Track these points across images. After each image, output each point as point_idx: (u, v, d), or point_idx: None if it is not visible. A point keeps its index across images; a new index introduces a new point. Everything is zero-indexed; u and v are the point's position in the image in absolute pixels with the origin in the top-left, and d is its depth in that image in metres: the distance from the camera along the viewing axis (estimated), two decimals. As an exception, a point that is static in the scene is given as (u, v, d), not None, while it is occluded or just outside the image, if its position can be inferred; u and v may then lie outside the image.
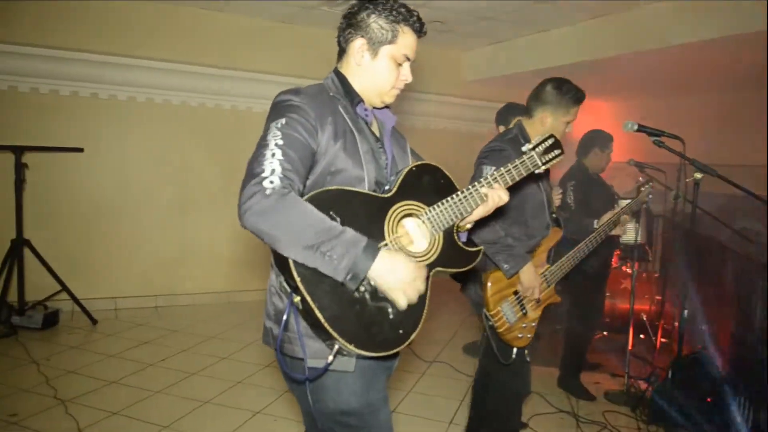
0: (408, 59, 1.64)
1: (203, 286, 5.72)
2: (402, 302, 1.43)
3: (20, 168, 4.47)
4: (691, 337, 4.48)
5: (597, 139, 3.93)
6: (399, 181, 1.57)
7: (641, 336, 4.80)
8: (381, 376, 1.63)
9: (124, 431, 3.08)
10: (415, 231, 1.57)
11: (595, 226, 3.14)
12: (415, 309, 1.51)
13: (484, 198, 1.65)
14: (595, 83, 6.00)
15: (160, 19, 5.16)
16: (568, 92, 2.57)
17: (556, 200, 3.20)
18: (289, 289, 1.39)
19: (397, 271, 1.40)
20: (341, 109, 1.58)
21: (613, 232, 3.18)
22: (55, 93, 5.01)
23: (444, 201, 1.61)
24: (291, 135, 1.43)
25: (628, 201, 3.26)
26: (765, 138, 4.82)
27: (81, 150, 4.95)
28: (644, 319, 4.81)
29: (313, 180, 1.50)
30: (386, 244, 1.48)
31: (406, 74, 1.65)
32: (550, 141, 1.85)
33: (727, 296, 3.83)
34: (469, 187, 1.65)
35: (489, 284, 2.46)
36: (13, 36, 4.65)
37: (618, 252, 4.71)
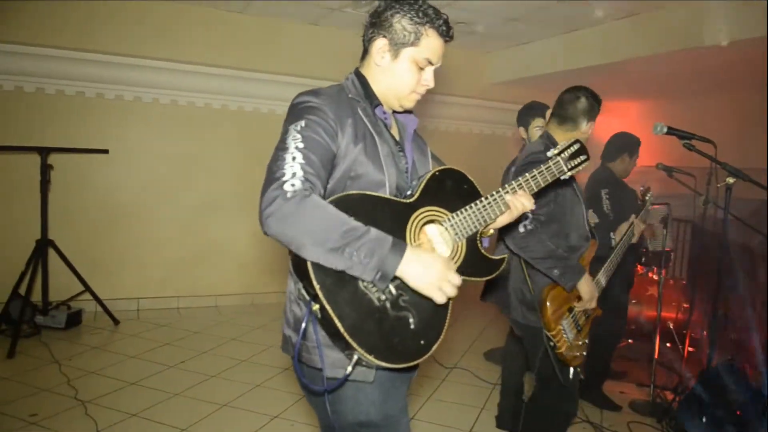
0: (431, 63, 1.57)
1: (225, 288, 5.73)
2: (439, 298, 1.38)
3: (46, 169, 4.51)
4: (721, 346, 4.37)
5: (626, 144, 3.80)
6: (422, 186, 1.53)
7: (668, 344, 4.68)
8: (401, 387, 1.59)
9: (143, 433, 3.08)
10: (437, 238, 1.53)
11: (612, 236, 3.06)
12: (437, 319, 1.47)
13: (507, 205, 1.60)
14: (621, 84, 5.91)
15: (184, 21, 5.18)
16: (598, 102, 2.60)
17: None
18: (308, 297, 1.36)
19: (429, 267, 1.35)
20: (360, 112, 1.54)
21: (636, 240, 3.14)
22: (81, 95, 5.06)
23: (467, 207, 1.56)
24: (311, 137, 1.39)
25: (642, 213, 3.19)
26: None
27: (106, 151, 5.00)
28: (671, 327, 4.69)
29: (333, 185, 1.46)
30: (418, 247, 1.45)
31: (428, 79, 1.59)
32: (576, 146, 1.79)
33: (759, 305, 3.72)
34: (494, 193, 1.60)
35: (548, 303, 2.37)
36: (40, 38, 4.71)
37: (643, 258, 4.59)
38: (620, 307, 4.01)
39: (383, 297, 1.38)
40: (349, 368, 1.37)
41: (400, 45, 1.54)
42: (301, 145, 1.37)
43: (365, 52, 1.62)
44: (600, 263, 2.72)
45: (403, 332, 1.40)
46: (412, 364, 1.41)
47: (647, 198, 3.25)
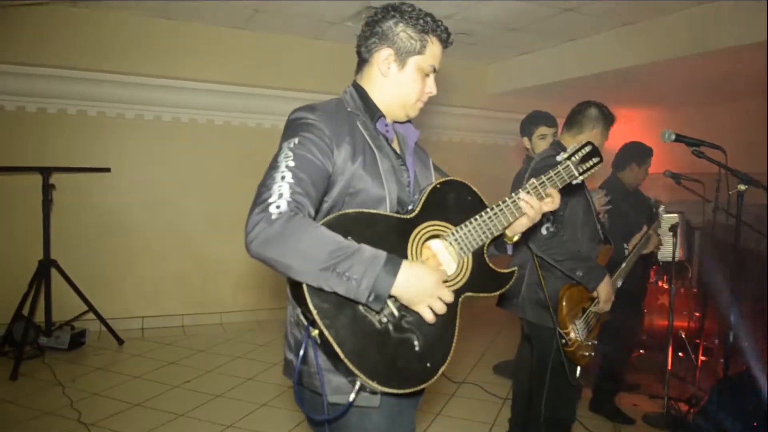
0: (434, 71, 1.56)
1: (230, 305, 5.68)
2: (428, 315, 1.33)
3: (48, 189, 4.49)
4: (735, 356, 4.28)
5: (636, 154, 3.75)
6: (422, 200, 1.47)
7: (680, 354, 4.59)
8: (408, 411, 1.53)
9: (146, 457, 3.03)
10: (443, 254, 1.47)
11: (626, 246, 3.04)
12: (444, 340, 1.41)
13: (516, 214, 1.54)
14: (625, 92, 5.86)
15: (185, 38, 5.17)
16: (608, 113, 2.67)
17: (600, 206, 3.14)
18: (306, 322, 1.30)
19: (419, 281, 1.30)
20: (360, 126, 1.49)
21: (649, 250, 3.17)
22: (82, 114, 5.05)
23: (472, 220, 1.50)
24: (303, 156, 1.35)
25: (654, 225, 3.18)
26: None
27: (108, 170, 4.99)
28: (683, 336, 4.60)
29: (331, 203, 1.41)
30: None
31: (431, 86, 1.58)
32: (588, 148, 1.70)
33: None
34: (500, 203, 1.54)
35: (564, 303, 2.45)
36: (41, 59, 4.70)
37: (655, 267, 4.52)
38: (632, 319, 3.93)
39: (384, 319, 1.32)
40: (353, 395, 1.31)
41: (407, 54, 1.52)
42: (291, 164, 1.33)
43: (363, 62, 1.58)
44: (612, 269, 2.72)
45: (407, 355, 1.34)
46: (418, 388, 1.35)
47: (660, 210, 3.22)
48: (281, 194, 1.28)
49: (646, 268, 3.87)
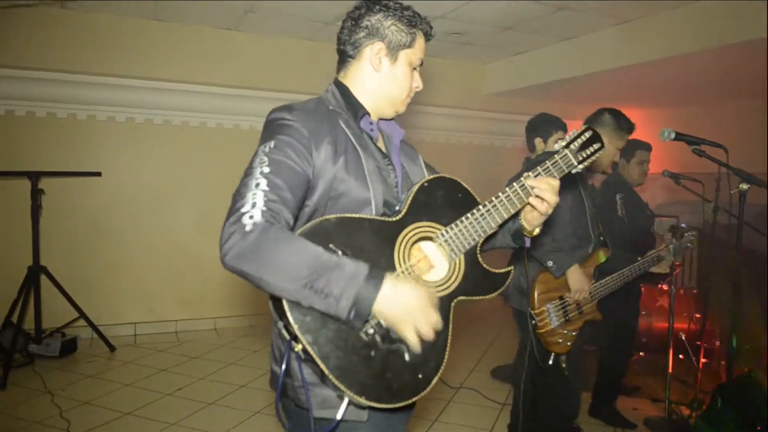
0: (421, 64, 1.52)
1: (224, 310, 5.61)
2: (411, 337, 1.23)
3: (36, 194, 4.42)
4: (737, 358, 4.22)
5: (635, 149, 3.70)
6: (409, 200, 1.39)
7: (680, 356, 4.53)
8: (398, 425, 1.46)
9: (135, 468, 2.95)
10: (432, 256, 1.40)
11: (641, 260, 3.03)
12: (436, 348, 1.34)
13: (510, 210, 1.44)
14: (623, 91, 5.79)
15: (176, 40, 5.09)
16: (622, 120, 2.78)
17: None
18: (288, 336, 1.23)
19: (402, 299, 1.20)
20: (342, 124, 1.42)
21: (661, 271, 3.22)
22: (72, 117, 4.98)
23: (463, 218, 1.42)
24: (279, 161, 1.28)
25: (673, 244, 3.16)
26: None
27: (99, 174, 4.91)
28: (683, 338, 4.54)
29: (313, 207, 1.35)
30: (398, 276, 1.31)
31: (418, 81, 1.54)
32: (588, 134, 1.55)
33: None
34: (492, 199, 1.45)
35: (537, 284, 2.59)
36: (29, 61, 4.63)
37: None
38: (630, 320, 3.86)
39: (371, 330, 1.25)
40: (341, 412, 1.24)
41: (397, 48, 1.47)
42: (267, 170, 1.26)
43: (347, 59, 1.52)
44: (609, 273, 2.79)
45: (397, 367, 1.27)
46: (409, 401, 1.28)
47: (686, 235, 3.16)
48: (255, 203, 1.21)
49: (633, 260, 3.80)
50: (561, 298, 2.63)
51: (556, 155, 1.53)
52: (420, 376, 1.31)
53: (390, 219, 1.36)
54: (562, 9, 4.35)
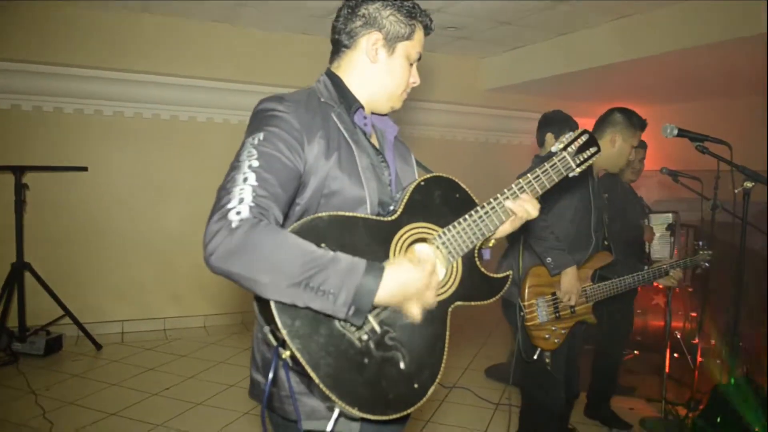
0: (419, 59, 1.44)
1: (214, 308, 5.51)
2: (416, 314, 1.18)
3: (20, 189, 4.31)
4: (735, 358, 4.17)
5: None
6: (405, 200, 1.31)
7: (675, 355, 4.48)
8: (391, 437, 1.39)
9: (120, 472, 2.86)
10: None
11: (647, 271, 2.93)
12: (433, 355, 1.27)
13: (509, 213, 1.40)
14: (621, 87, 5.73)
15: (167, 33, 4.97)
16: (634, 117, 2.74)
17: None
18: (275, 342, 1.15)
19: (406, 286, 1.15)
20: (335, 118, 1.34)
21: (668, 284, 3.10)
22: (59, 111, 4.87)
23: (461, 220, 1.35)
24: (269, 154, 1.19)
25: (685, 260, 3.03)
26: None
27: (85, 169, 4.79)
28: (678, 337, 4.49)
29: (304, 206, 1.26)
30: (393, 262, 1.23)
31: (416, 76, 1.46)
32: (584, 137, 1.52)
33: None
34: (491, 200, 1.39)
35: (529, 276, 2.54)
36: (16, 54, 4.51)
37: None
38: (625, 319, 3.81)
39: (365, 336, 1.17)
40: (330, 424, 1.16)
41: (395, 39, 1.39)
42: (255, 164, 1.17)
43: (342, 49, 1.43)
44: (609, 278, 2.71)
45: (392, 376, 1.20)
46: (405, 413, 1.20)
47: (701, 253, 3.08)
48: (242, 199, 1.12)
49: (638, 268, 3.74)
50: (554, 294, 2.57)
51: (554, 157, 1.49)
52: (416, 385, 1.23)
53: (385, 219, 1.28)
54: (559, 4, 4.27)
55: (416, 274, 1.16)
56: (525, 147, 6.98)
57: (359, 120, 1.39)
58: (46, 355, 4.38)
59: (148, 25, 4.90)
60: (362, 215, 1.26)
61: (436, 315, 1.29)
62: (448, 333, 1.31)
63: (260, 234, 1.08)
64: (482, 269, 1.42)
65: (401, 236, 1.28)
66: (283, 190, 1.19)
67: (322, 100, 1.36)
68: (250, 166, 1.17)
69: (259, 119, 1.26)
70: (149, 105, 5.17)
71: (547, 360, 2.55)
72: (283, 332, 1.09)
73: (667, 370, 3.69)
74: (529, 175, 1.45)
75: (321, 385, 1.09)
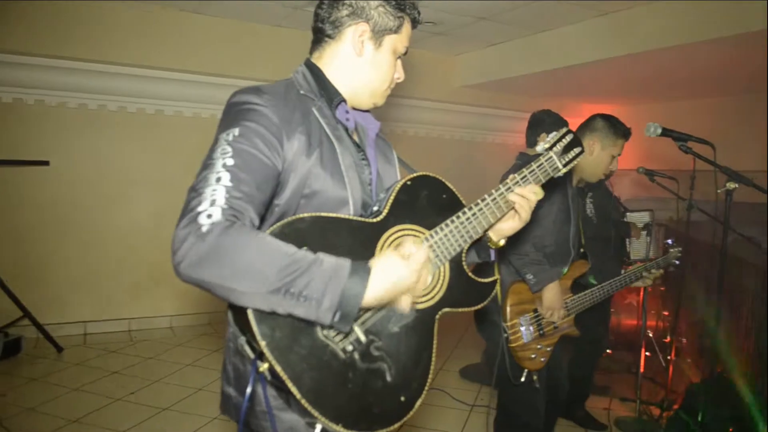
0: (405, 53, 1.37)
1: (182, 308, 5.34)
2: (405, 307, 1.13)
3: (-24, 184, 4.10)
4: (709, 358, 4.21)
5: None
6: (391, 200, 1.24)
7: (647, 354, 4.50)
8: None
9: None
10: None
11: (623, 276, 2.92)
12: (420, 366, 1.20)
13: (497, 214, 1.34)
14: (597, 85, 5.73)
15: (134, 21, 4.76)
16: (616, 124, 2.69)
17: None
18: (251, 355, 1.05)
19: (395, 284, 1.07)
20: (316, 112, 1.25)
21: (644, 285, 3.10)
22: (19, 102, 4.64)
23: (449, 222, 1.28)
24: (245, 151, 1.10)
25: (657, 260, 3.04)
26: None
27: (46, 163, 4.60)
28: (651, 336, 4.51)
29: (283, 207, 1.17)
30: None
31: (400, 71, 1.39)
32: (569, 137, 1.50)
33: (748, 314, 3.57)
34: (479, 201, 1.33)
35: (510, 294, 2.43)
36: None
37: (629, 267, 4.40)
38: (601, 319, 3.80)
39: (350, 347, 1.09)
40: None
41: (383, 32, 1.31)
42: (230, 162, 1.07)
43: (324, 39, 1.34)
44: (587, 287, 2.68)
45: (378, 389, 1.12)
46: (391, 428, 1.12)
47: (672, 251, 3.07)
48: (214, 200, 1.02)
49: (617, 267, 3.73)
50: (535, 311, 2.48)
51: (541, 158, 1.46)
52: (402, 398, 1.16)
53: (371, 220, 1.20)
54: (536, 2, 4.23)
55: (405, 271, 1.08)
56: (501, 145, 6.97)
57: (341, 115, 1.31)
58: (3, 358, 4.17)
59: (113, 14, 4.68)
60: (347, 216, 1.18)
61: (423, 323, 1.22)
62: (435, 342, 1.23)
63: (233, 237, 0.98)
64: (470, 274, 1.35)
65: (387, 238, 1.21)
66: (260, 190, 1.10)
67: (302, 92, 1.27)
68: (224, 165, 1.07)
69: (234, 113, 1.16)
70: (114, 97, 4.97)
71: (535, 377, 2.46)
72: (262, 344, 1.00)
73: (642, 369, 3.69)
74: (516, 175, 1.41)
75: (303, 401, 1.01)
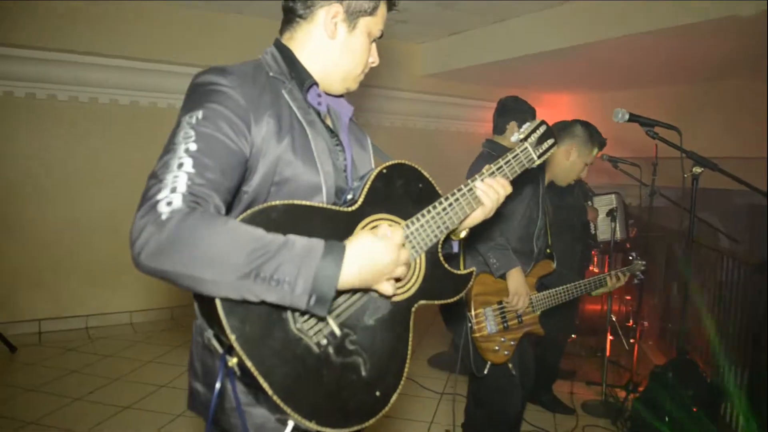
0: (380, 37, 1.33)
1: (141, 303, 5.19)
2: (387, 290, 1.08)
3: None
4: (672, 341, 4.32)
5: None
6: (366, 188, 1.19)
7: (610, 337, 4.58)
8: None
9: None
10: None
11: (589, 281, 2.88)
12: (395, 359, 1.16)
13: (474, 205, 1.32)
14: (558, 74, 5.76)
15: (85, 7, 4.57)
16: (594, 134, 2.74)
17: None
18: (220, 349, 0.99)
19: (373, 262, 1.03)
20: (286, 95, 1.19)
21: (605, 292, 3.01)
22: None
23: (425, 212, 1.25)
24: (210, 135, 1.03)
25: (623, 269, 3.01)
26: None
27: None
28: (614, 320, 4.60)
29: (252, 194, 1.11)
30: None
31: (375, 56, 1.35)
32: (543, 128, 1.50)
33: (711, 297, 3.66)
34: (455, 192, 1.30)
35: (474, 284, 2.40)
36: None
37: (594, 252, 4.45)
38: (569, 305, 3.83)
39: (324, 341, 1.04)
40: None
41: (357, 14, 1.25)
42: (193, 147, 1.01)
43: (295, 19, 1.27)
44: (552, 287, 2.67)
45: (353, 384, 1.07)
46: (366, 424, 1.08)
47: (636, 263, 3.06)
48: (175, 187, 0.96)
49: (586, 251, 3.77)
50: (500, 302, 2.47)
51: (516, 148, 1.46)
52: (378, 393, 1.11)
53: (346, 209, 1.15)
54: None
55: (382, 247, 1.04)
56: (463, 134, 6.97)
57: (313, 98, 1.25)
58: (-49, 360, 3.99)
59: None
60: (321, 205, 1.12)
61: (398, 315, 1.18)
62: (411, 335, 1.20)
63: (195, 223, 0.92)
64: (446, 265, 1.32)
65: (363, 228, 1.16)
66: (226, 177, 1.04)
67: (271, 74, 1.20)
68: (186, 150, 1.00)
69: (199, 94, 1.09)
70: (65, 87, 4.76)
71: (510, 365, 2.46)
72: (231, 337, 0.94)
73: (608, 353, 3.76)
74: (492, 165, 1.40)
75: (275, 397, 0.95)
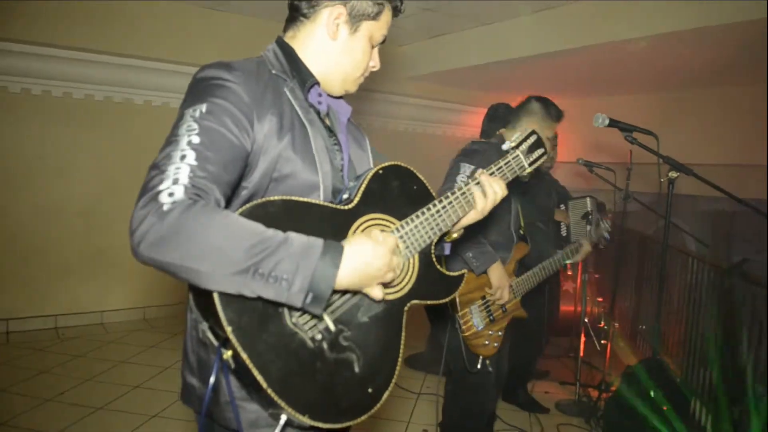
0: (383, 42, 1.33)
1: (114, 302, 5.10)
2: (377, 295, 1.10)
3: None
4: (643, 341, 4.41)
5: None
6: (362, 188, 1.21)
7: (583, 339, 4.67)
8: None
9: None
10: None
11: (560, 252, 2.97)
12: (388, 356, 1.19)
13: (466, 208, 1.34)
14: (540, 79, 5.82)
15: (80, 5, 4.47)
16: (551, 108, 2.68)
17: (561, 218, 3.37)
18: (216, 342, 1.00)
19: (368, 265, 1.04)
20: (288, 93, 1.20)
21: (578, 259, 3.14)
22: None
23: (419, 213, 1.27)
24: (213, 129, 1.04)
25: (589, 232, 3.18)
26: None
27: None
28: (586, 321, 4.67)
29: (252, 190, 1.12)
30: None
31: (376, 60, 1.35)
32: (533, 138, 1.55)
33: (680, 300, 3.75)
34: (448, 194, 1.32)
35: None
36: None
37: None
38: (543, 305, 3.89)
39: (319, 336, 1.05)
40: None
41: (360, 17, 1.26)
42: (196, 140, 1.01)
43: (299, 18, 1.28)
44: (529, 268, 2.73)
45: (346, 380, 1.09)
46: (357, 421, 1.09)
47: (602, 224, 3.14)
48: (177, 179, 0.96)
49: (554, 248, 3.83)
50: (483, 297, 2.50)
51: (508, 155, 1.49)
52: (370, 390, 1.13)
53: (342, 207, 1.16)
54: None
55: (377, 251, 1.05)
56: (444, 137, 7.01)
57: (313, 98, 1.26)
58: None
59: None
60: (318, 202, 1.14)
61: (392, 314, 1.20)
62: (403, 334, 1.21)
63: (197, 215, 0.93)
64: (439, 266, 1.35)
65: (358, 227, 1.18)
66: (227, 171, 1.04)
67: (273, 72, 1.21)
68: (189, 143, 1.01)
69: (202, 88, 1.09)
70: (42, 81, 4.66)
71: (487, 362, 2.49)
72: (228, 330, 0.94)
73: (581, 354, 3.82)
74: (485, 171, 1.42)
75: (269, 391, 0.96)
